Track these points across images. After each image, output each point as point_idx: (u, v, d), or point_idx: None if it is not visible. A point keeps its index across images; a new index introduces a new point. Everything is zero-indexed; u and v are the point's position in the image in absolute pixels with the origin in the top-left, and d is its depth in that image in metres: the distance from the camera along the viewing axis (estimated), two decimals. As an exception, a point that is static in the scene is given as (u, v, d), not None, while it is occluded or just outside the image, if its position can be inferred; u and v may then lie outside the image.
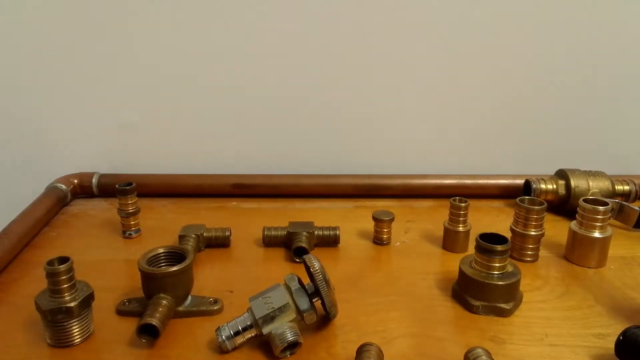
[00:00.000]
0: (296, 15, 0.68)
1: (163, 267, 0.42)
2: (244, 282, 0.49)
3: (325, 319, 0.42)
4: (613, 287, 0.48)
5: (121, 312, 0.43)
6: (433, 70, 0.72)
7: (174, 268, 0.41)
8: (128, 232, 0.58)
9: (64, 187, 0.68)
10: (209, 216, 0.65)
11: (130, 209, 0.58)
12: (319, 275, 0.39)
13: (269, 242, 0.55)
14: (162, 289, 0.41)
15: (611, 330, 0.41)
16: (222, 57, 0.70)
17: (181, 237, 0.54)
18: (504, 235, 0.45)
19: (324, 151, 0.75)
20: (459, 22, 0.70)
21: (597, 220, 0.51)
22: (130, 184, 0.58)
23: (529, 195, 0.64)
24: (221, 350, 0.38)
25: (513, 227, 0.54)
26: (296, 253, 0.52)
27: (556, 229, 0.59)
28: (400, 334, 0.41)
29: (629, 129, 0.77)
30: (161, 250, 0.44)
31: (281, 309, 0.38)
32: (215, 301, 0.44)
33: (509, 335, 0.41)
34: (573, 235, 0.53)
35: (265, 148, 0.75)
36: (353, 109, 0.73)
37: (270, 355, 0.38)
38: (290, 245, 0.54)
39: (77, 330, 0.39)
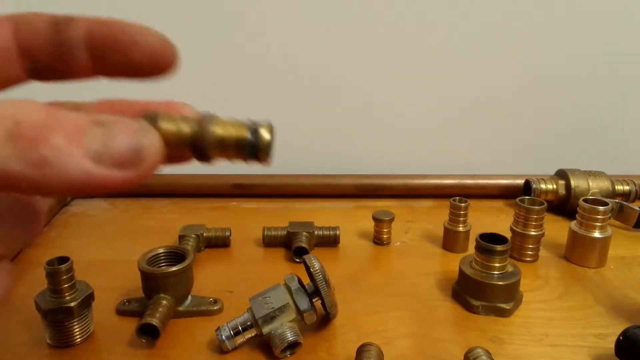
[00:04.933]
0: (296, 17, 0.68)
1: (163, 267, 0.42)
2: (244, 282, 0.49)
3: (325, 319, 0.42)
4: (613, 287, 0.48)
5: (121, 312, 0.43)
6: (433, 70, 0.72)
7: (174, 268, 0.41)
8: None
9: (64, 187, 0.68)
10: (209, 216, 0.65)
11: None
12: (319, 275, 0.39)
13: (269, 242, 0.55)
14: (162, 289, 0.41)
15: (611, 330, 0.41)
16: (221, 57, 0.70)
17: (181, 237, 0.54)
18: (504, 235, 0.45)
19: (324, 151, 0.75)
20: (460, 22, 0.70)
21: (597, 220, 0.51)
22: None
23: (529, 195, 0.64)
24: (221, 350, 0.38)
25: (513, 227, 0.54)
26: (296, 253, 0.52)
27: (556, 229, 0.59)
28: (400, 334, 0.41)
29: (629, 129, 0.77)
30: (161, 250, 0.44)
31: (281, 309, 0.38)
32: (215, 301, 0.44)
33: (509, 335, 0.41)
34: (573, 235, 0.53)
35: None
36: (353, 109, 0.73)
37: (270, 355, 0.38)
38: (290, 245, 0.54)
39: (77, 330, 0.39)
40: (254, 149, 0.21)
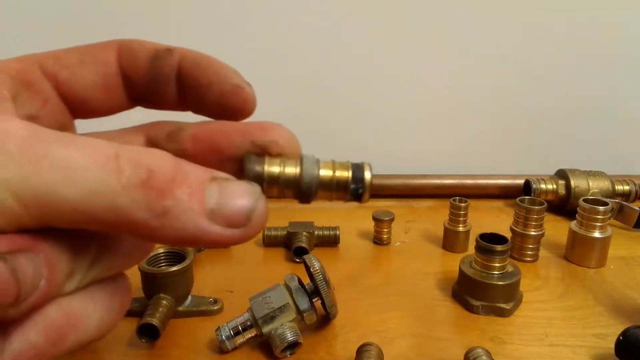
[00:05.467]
0: (296, 17, 0.68)
1: (163, 267, 0.42)
2: (244, 282, 0.49)
3: (325, 319, 0.42)
4: (613, 287, 0.48)
5: (121, 312, 0.43)
6: (433, 71, 0.72)
7: (174, 268, 0.41)
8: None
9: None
10: (209, 216, 0.64)
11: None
12: (319, 275, 0.39)
13: (269, 242, 0.55)
14: (162, 289, 0.41)
15: (611, 330, 0.41)
16: (222, 55, 0.70)
17: (181, 237, 0.54)
18: (504, 235, 0.45)
19: (324, 151, 0.75)
20: (459, 23, 0.70)
21: (597, 220, 0.51)
22: None
23: (529, 195, 0.64)
24: (221, 350, 0.38)
25: (513, 227, 0.54)
26: (296, 253, 0.52)
27: (556, 229, 0.59)
28: (400, 334, 0.41)
29: (629, 129, 0.77)
30: (161, 250, 0.44)
31: (281, 309, 0.38)
32: (215, 301, 0.44)
33: (509, 335, 0.41)
34: (573, 235, 0.53)
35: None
36: (353, 108, 0.73)
37: (270, 355, 0.38)
38: (290, 245, 0.54)
39: (77, 330, 0.39)
40: (357, 189, 0.21)
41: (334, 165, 0.21)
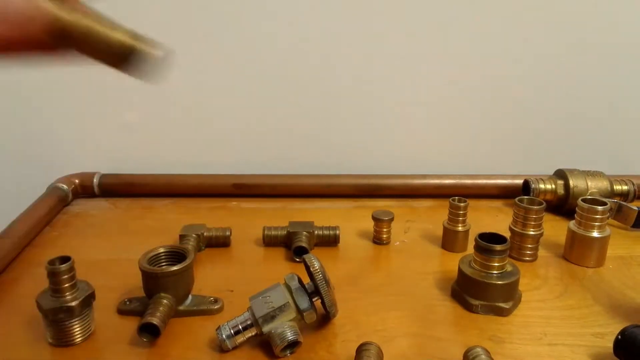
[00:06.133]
0: (296, 17, 0.68)
1: (164, 267, 0.43)
2: (244, 281, 0.49)
3: (325, 319, 0.42)
4: (611, 287, 0.49)
5: (122, 312, 0.44)
6: (433, 71, 0.72)
7: (175, 267, 0.41)
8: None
9: (65, 187, 0.68)
10: (209, 216, 0.65)
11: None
12: (319, 274, 0.39)
13: (269, 242, 0.56)
14: (163, 289, 0.41)
15: (609, 330, 0.41)
16: (222, 58, 0.70)
17: (182, 237, 0.54)
18: (503, 235, 0.45)
19: (324, 151, 0.75)
20: (459, 23, 0.70)
21: (595, 220, 0.51)
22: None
23: (528, 195, 0.64)
24: (221, 349, 0.38)
25: (512, 226, 0.54)
26: (296, 253, 0.53)
27: (555, 229, 0.59)
28: (400, 334, 0.41)
29: (629, 129, 0.77)
30: (162, 250, 0.44)
31: (281, 308, 0.38)
32: (216, 300, 0.44)
33: (508, 335, 0.41)
34: (572, 235, 0.53)
35: (265, 148, 0.75)
36: (353, 108, 0.73)
37: (271, 354, 0.38)
38: (290, 245, 0.54)
39: (78, 329, 0.39)
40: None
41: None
